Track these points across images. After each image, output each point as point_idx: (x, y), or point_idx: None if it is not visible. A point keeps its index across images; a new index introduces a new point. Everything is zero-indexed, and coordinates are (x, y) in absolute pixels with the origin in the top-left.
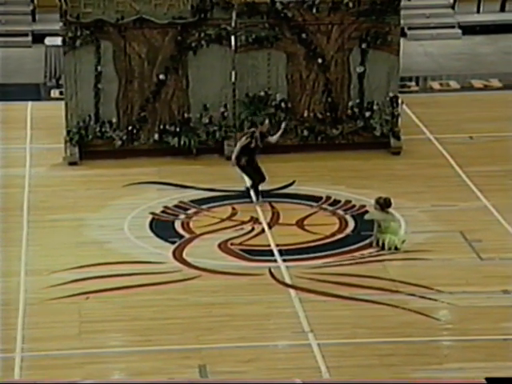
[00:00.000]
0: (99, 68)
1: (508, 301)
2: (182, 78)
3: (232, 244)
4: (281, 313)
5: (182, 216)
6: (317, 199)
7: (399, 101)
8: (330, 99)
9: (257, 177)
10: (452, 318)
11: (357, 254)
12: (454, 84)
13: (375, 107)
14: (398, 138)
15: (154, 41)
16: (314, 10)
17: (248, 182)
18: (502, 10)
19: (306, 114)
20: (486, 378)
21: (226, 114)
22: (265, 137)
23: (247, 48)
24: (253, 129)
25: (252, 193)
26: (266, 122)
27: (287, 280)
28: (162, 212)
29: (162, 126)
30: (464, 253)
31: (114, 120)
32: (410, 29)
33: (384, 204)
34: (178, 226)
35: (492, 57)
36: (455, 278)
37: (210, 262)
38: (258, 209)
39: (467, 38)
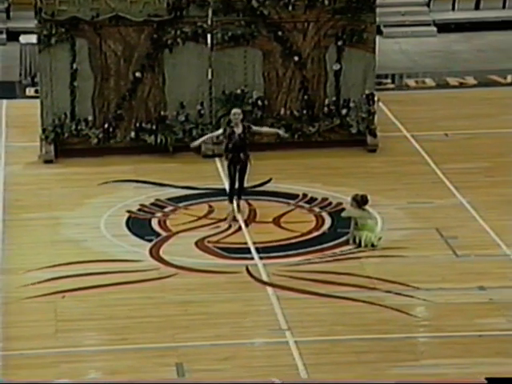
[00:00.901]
0: (75, 66)
1: (483, 297)
2: (158, 76)
3: (209, 242)
4: (258, 310)
5: (159, 214)
6: (293, 197)
7: (375, 98)
8: (306, 97)
9: (232, 182)
10: (428, 314)
11: (334, 251)
12: (429, 81)
13: (351, 105)
14: (374, 135)
15: (129, 38)
16: (290, 8)
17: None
18: (477, 7)
19: (282, 112)
20: (487, 378)
21: (202, 111)
22: (249, 128)
23: (223, 46)
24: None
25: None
26: (234, 110)
27: (264, 278)
28: (139, 210)
29: (138, 124)
30: (440, 249)
31: (90, 118)
32: (385, 26)
33: (361, 201)
34: (154, 224)
35: (467, 54)
36: (431, 274)
37: (186, 260)
38: (235, 207)
39: (442, 35)
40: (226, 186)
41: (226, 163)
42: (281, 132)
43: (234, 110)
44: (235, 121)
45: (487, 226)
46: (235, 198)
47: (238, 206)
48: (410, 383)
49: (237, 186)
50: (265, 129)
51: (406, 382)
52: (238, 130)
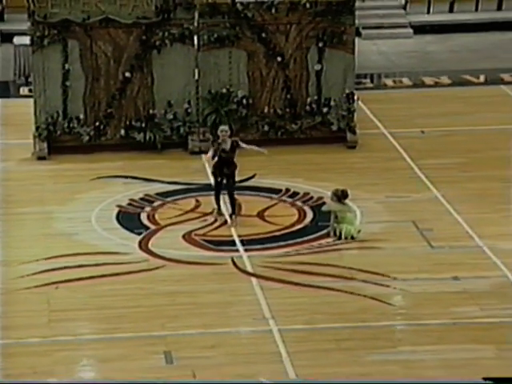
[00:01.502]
0: (66, 66)
1: (457, 287)
2: (146, 76)
3: (196, 235)
4: (243, 300)
5: (148, 208)
6: (277, 191)
7: (355, 97)
8: (289, 96)
9: (217, 188)
10: (405, 303)
11: (315, 243)
12: (406, 81)
13: (332, 103)
14: (353, 132)
15: (119, 40)
16: (273, 11)
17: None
18: (451, 10)
19: (266, 110)
20: (485, 378)
21: (189, 110)
22: (237, 143)
23: (209, 47)
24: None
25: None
26: (222, 127)
27: (249, 269)
28: (129, 204)
29: (127, 122)
30: (416, 241)
31: (82, 116)
32: (364, 28)
33: (341, 196)
34: (143, 217)
35: (441, 55)
36: (408, 265)
37: (174, 253)
38: (221, 201)
39: (418, 37)
40: (213, 183)
41: (210, 171)
42: (262, 150)
43: (222, 127)
44: (223, 137)
45: (461, 219)
46: (230, 215)
47: (231, 218)
48: (415, 383)
49: (228, 199)
50: (250, 146)
51: (410, 381)
52: (226, 145)
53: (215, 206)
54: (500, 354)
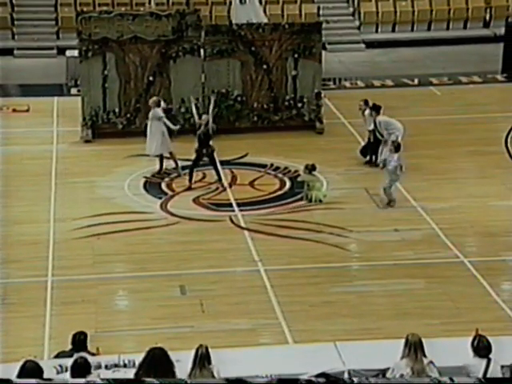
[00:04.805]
0: (105, 72)
1: (397, 236)
2: (165, 80)
3: (203, 199)
4: (238, 248)
5: (167, 179)
6: (263, 166)
7: (322, 95)
8: (272, 94)
9: (193, 165)
10: (359, 249)
11: (292, 205)
12: (360, 83)
13: (305, 100)
14: (321, 121)
15: (144, 52)
16: (260, 30)
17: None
18: (393, 30)
19: (255, 105)
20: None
21: (198, 105)
22: (207, 123)
23: (212, 57)
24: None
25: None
26: (204, 117)
27: (242, 224)
28: (152, 176)
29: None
30: (367, 203)
31: (117, 110)
32: (329, 44)
33: (311, 169)
34: (163, 186)
35: (386, 64)
36: (361, 221)
37: (187, 212)
38: (222, 173)
39: (369, 50)
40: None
41: (196, 145)
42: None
43: (205, 116)
44: (204, 120)
45: (401, 187)
46: (218, 180)
47: (220, 182)
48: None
49: (214, 171)
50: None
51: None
52: (203, 123)
53: (184, 172)
54: (428, 285)
